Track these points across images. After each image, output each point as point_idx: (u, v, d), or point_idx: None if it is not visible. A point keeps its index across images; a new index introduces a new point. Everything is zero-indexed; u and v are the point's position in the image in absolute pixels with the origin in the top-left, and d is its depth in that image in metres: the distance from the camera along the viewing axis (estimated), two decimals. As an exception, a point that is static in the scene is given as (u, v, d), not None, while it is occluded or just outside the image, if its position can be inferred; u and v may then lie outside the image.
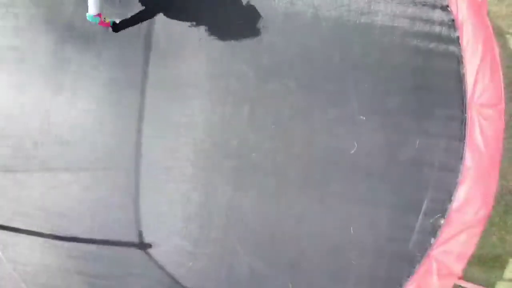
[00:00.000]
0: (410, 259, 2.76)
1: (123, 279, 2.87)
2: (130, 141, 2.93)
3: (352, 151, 2.85)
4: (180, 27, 3.01)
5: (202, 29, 3.01)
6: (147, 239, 2.85)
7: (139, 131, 2.93)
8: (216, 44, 3.01)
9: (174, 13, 3.03)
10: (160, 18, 3.02)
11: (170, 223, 2.88)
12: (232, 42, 3.01)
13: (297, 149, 2.90)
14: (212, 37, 3.02)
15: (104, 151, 2.95)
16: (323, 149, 2.88)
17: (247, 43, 3.01)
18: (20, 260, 2.99)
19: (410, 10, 2.99)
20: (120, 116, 2.96)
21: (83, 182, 2.94)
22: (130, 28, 3.01)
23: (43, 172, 2.98)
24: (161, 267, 2.83)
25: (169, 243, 2.86)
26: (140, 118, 2.94)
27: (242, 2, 3.03)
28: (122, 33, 3.01)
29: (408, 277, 2.74)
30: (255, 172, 2.90)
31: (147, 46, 2.99)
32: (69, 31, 3.03)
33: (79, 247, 2.89)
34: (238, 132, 2.94)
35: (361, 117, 2.87)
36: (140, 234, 2.84)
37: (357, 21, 2.99)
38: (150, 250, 2.84)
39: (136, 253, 2.85)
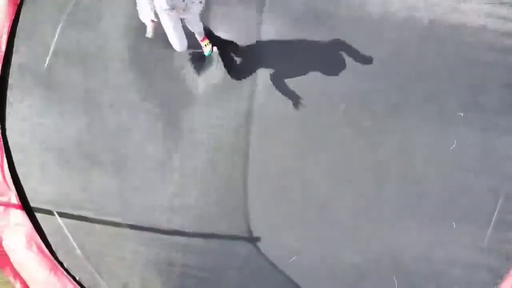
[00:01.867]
0: (509, 254, 2.86)
1: (223, 272, 2.94)
2: (237, 139, 3.02)
3: (451, 148, 2.92)
4: (280, 34, 3.11)
5: (301, 32, 3.10)
6: (255, 233, 2.93)
7: (247, 132, 3.02)
8: (312, 45, 3.08)
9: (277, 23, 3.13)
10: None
11: (274, 218, 2.96)
12: (328, 43, 3.07)
13: (394, 145, 2.97)
14: (308, 38, 3.09)
15: (210, 147, 3.03)
16: (421, 146, 2.95)
17: (343, 44, 3.06)
18: (110, 254, 3.04)
19: (499, 11, 3.05)
20: (227, 118, 3.05)
21: (188, 177, 3.01)
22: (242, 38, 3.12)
23: (145, 167, 3.04)
24: (265, 260, 2.91)
25: (273, 238, 2.93)
26: (247, 119, 3.03)
27: (334, 5, 3.09)
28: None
29: (508, 269, 2.84)
30: (352, 167, 2.98)
31: (252, 53, 3.12)
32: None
33: (182, 240, 2.95)
34: (334, 128, 3.01)
35: (459, 113, 2.94)
36: (248, 229, 2.92)
37: (449, 20, 3.04)
38: (257, 244, 2.92)
39: (241, 246, 2.93)
